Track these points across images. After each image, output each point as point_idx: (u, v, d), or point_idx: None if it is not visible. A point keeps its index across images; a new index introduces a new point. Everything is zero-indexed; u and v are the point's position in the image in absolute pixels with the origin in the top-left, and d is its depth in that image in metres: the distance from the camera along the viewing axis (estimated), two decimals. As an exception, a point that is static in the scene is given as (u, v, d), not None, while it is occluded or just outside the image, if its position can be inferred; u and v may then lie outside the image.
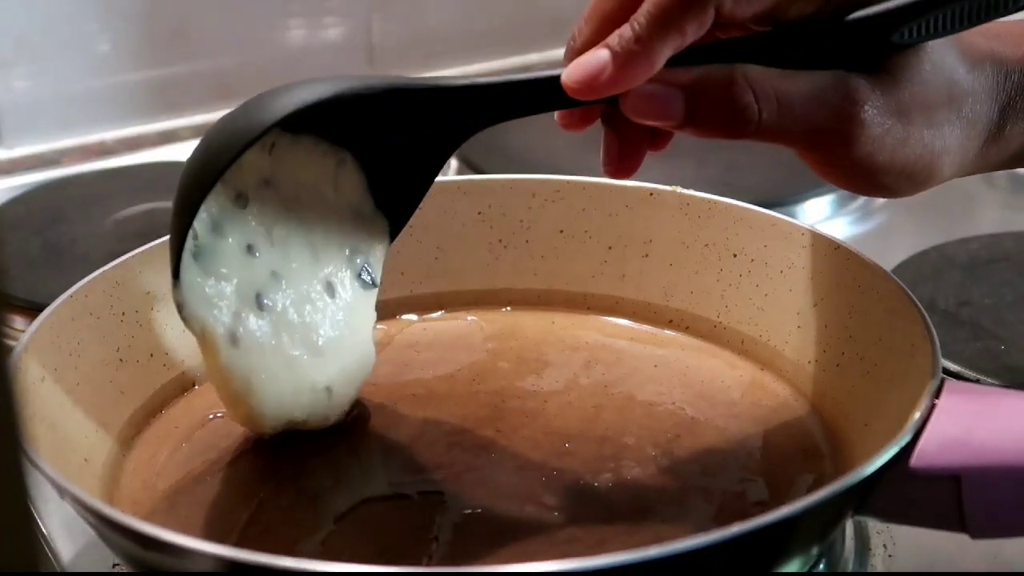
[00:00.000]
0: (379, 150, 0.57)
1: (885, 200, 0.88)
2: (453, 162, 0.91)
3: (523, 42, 1.14)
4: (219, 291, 0.55)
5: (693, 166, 0.90)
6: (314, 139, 0.56)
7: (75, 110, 0.99)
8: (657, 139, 0.55)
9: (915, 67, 0.51)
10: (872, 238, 0.83)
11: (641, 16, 0.49)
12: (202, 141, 0.53)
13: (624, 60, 0.49)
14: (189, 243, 0.53)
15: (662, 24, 0.48)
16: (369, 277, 0.59)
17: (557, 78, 0.51)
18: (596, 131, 1.03)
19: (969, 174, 0.55)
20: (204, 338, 0.54)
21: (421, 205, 0.68)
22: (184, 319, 0.54)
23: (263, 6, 1.03)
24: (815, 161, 0.53)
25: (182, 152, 0.98)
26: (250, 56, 1.04)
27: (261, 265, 0.56)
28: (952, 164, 0.53)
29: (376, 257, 0.59)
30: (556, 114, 0.55)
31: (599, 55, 0.49)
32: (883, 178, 0.52)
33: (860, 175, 0.52)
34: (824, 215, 0.85)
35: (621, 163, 0.55)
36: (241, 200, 0.56)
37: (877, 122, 0.50)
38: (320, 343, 0.57)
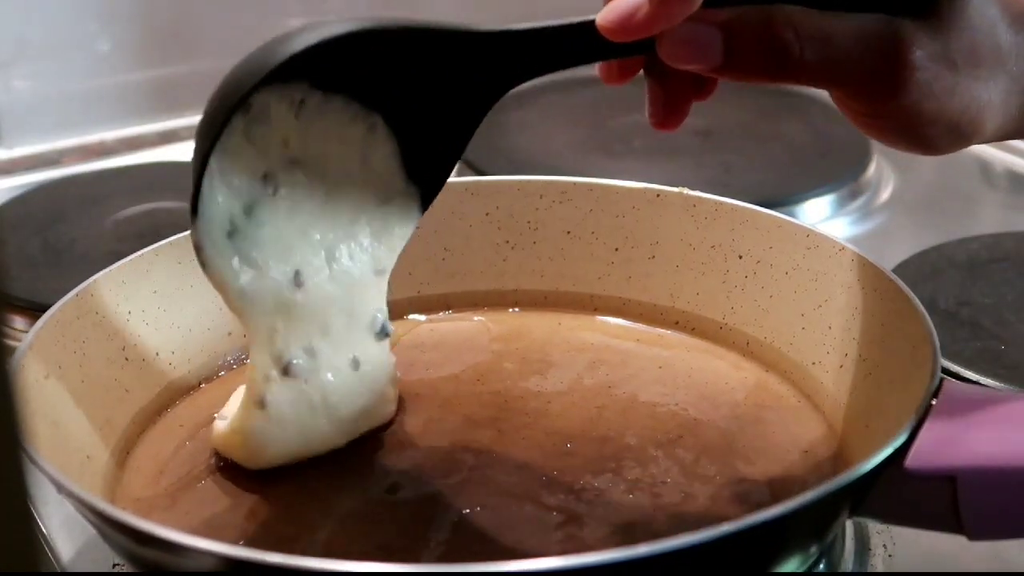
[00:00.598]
0: (410, 113, 0.55)
1: (885, 200, 0.88)
2: (453, 162, 0.91)
3: (523, 42, 1.13)
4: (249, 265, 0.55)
5: (692, 167, 0.90)
6: (344, 100, 0.54)
7: (75, 110, 0.99)
8: (702, 87, 0.53)
9: (961, 15, 0.49)
10: (872, 238, 0.83)
11: None
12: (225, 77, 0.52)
13: (662, 3, 0.47)
14: (224, 222, 0.53)
15: None
16: (381, 325, 0.58)
17: (593, 22, 0.49)
18: (595, 131, 1.03)
19: (1009, 137, 0.53)
20: (221, 286, 0.54)
21: (438, 206, 0.68)
22: (201, 263, 0.53)
23: (263, 6, 1.03)
24: (857, 110, 0.51)
25: (182, 152, 0.98)
26: (250, 56, 1.04)
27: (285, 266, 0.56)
28: (995, 120, 0.51)
29: (401, 238, 0.58)
30: (597, 67, 0.53)
31: None
32: (928, 129, 0.50)
33: (905, 125, 0.50)
34: (824, 215, 0.85)
35: (667, 115, 0.53)
36: (270, 183, 0.54)
37: (926, 67, 0.48)
38: (340, 406, 0.57)
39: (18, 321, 0.69)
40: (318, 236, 0.56)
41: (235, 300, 0.54)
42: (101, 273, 0.60)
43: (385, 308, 0.58)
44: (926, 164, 0.96)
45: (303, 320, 0.56)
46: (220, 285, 0.54)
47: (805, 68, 0.48)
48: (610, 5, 0.49)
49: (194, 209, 0.52)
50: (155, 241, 0.63)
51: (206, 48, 1.02)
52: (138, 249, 0.62)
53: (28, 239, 0.81)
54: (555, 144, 0.94)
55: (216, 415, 0.58)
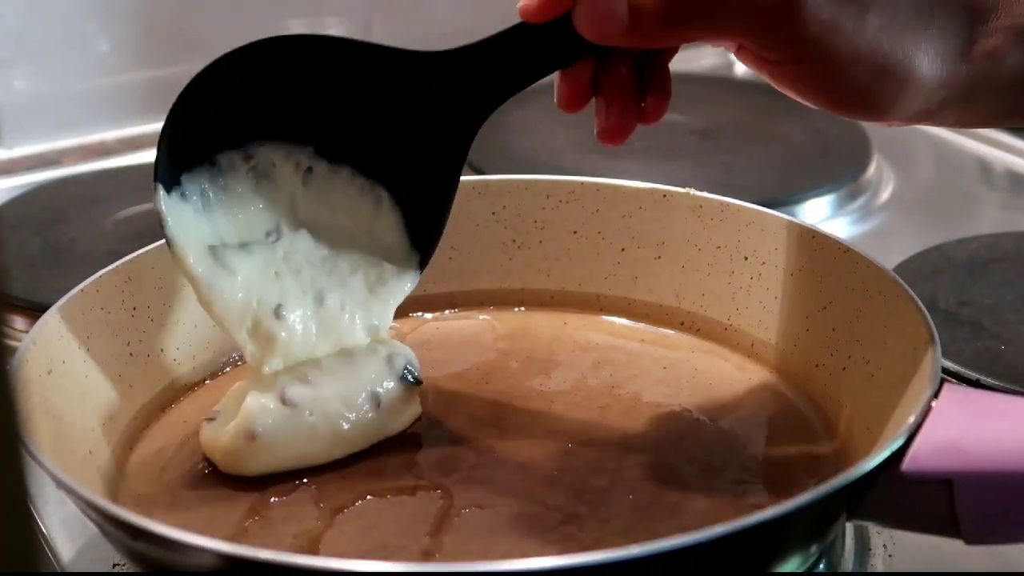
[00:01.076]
0: (408, 174, 0.57)
1: (885, 200, 0.88)
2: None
3: (523, 42, 1.13)
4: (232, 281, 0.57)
5: (692, 167, 0.90)
6: (350, 172, 0.58)
7: (75, 110, 0.99)
8: (646, 110, 0.55)
9: None
10: (872, 238, 0.83)
11: None
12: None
13: None
14: (210, 238, 0.56)
15: None
16: (411, 376, 0.59)
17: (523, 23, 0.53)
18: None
19: (961, 99, 0.51)
20: (186, 272, 0.56)
21: None
22: (167, 238, 0.55)
23: (263, 6, 1.03)
24: (765, 58, 0.51)
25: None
26: (250, 56, 1.04)
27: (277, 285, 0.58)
28: (932, 68, 0.50)
29: (399, 296, 0.59)
30: (555, 98, 0.55)
31: None
32: (852, 73, 0.49)
33: (823, 70, 0.50)
34: (824, 215, 0.85)
35: (611, 130, 0.55)
36: (272, 235, 0.58)
37: None
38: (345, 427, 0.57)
39: (18, 321, 0.69)
40: (309, 278, 0.58)
41: (202, 290, 0.56)
42: (106, 269, 0.60)
43: (384, 368, 0.58)
44: (926, 164, 0.96)
45: (289, 351, 0.57)
46: (182, 264, 0.56)
47: (698, 23, 0.50)
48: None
49: (157, 175, 0.55)
50: (155, 241, 0.63)
51: (206, 48, 1.01)
52: (138, 249, 0.62)
53: (28, 239, 0.81)
54: (555, 144, 0.94)
55: (206, 417, 0.58)
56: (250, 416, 0.56)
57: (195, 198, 0.56)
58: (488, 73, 0.55)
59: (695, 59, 1.15)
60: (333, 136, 0.57)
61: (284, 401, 0.56)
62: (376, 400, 0.57)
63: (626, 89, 0.54)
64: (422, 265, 0.59)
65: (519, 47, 0.54)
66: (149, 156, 0.96)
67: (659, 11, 0.50)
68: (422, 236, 0.58)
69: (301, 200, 0.58)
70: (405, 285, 0.59)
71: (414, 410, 0.59)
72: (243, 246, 0.57)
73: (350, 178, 0.58)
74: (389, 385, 0.58)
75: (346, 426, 0.57)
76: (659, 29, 0.50)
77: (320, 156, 0.57)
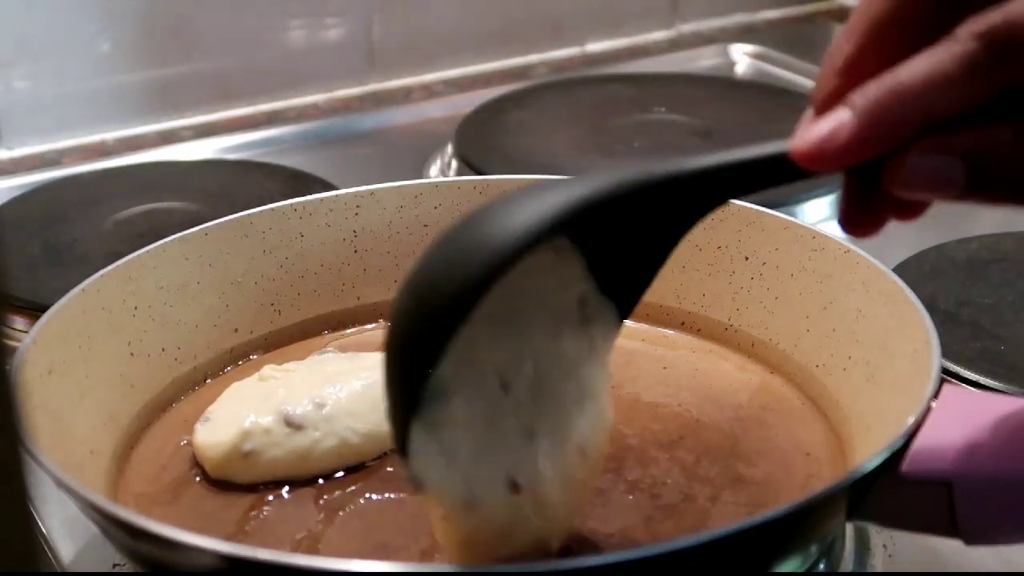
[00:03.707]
0: (602, 239, 0.48)
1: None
2: (453, 163, 0.92)
3: (523, 43, 1.14)
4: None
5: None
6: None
7: (75, 110, 0.99)
8: (910, 210, 0.46)
9: None
10: (872, 238, 0.83)
11: (901, 72, 0.40)
12: (412, 287, 0.43)
13: (867, 119, 0.41)
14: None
15: (927, 80, 0.40)
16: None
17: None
18: (595, 131, 1.02)
19: None
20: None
21: (437, 206, 0.68)
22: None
23: (263, 6, 1.03)
24: None
25: (182, 152, 0.98)
26: (250, 56, 1.04)
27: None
28: None
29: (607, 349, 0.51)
30: (839, 215, 0.47)
31: (838, 115, 0.41)
32: None
33: None
34: (824, 215, 0.85)
35: (861, 223, 0.46)
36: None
37: None
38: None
39: (18, 321, 0.69)
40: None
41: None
42: (107, 269, 0.60)
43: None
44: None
45: None
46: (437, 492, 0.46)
47: None
48: (805, 127, 0.43)
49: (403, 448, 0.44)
50: (155, 241, 0.63)
51: (206, 48, 1.02)
52: (138, 249, 0.62)
53: (28, 239, 0.81)
54: (555, 144, 0.94)
55: (200, 420, 0.58)
56: (246, 436, 0.56)
57: None
58: (728, 187, 0.47)
59: (695, 59, 1.15)
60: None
61: (288, 423, 0.56)
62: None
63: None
64: (623, 315, 0.50)
65: (770, 170, 0.45)
66: (149, 156, 0.97)
67: (1019, 181, 0.42)
68: (614, 285, 0.49)
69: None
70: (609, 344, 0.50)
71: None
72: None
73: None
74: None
75: (356, 440, 0.57)
76: (1012, 197, 0.42)
77: None
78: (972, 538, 0.47)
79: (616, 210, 0.46)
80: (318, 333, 0.67)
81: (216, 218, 0.65)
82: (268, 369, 0.60)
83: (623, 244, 0.48)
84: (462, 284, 0.42)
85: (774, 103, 0.99)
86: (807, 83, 1.08)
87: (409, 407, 0.43)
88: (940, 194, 0.42)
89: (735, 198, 0.49)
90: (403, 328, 0.43)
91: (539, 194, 0.45)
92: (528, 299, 0.47)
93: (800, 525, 0.47)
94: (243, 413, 0.57)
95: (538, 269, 0.47)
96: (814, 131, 0.42)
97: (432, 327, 0.42)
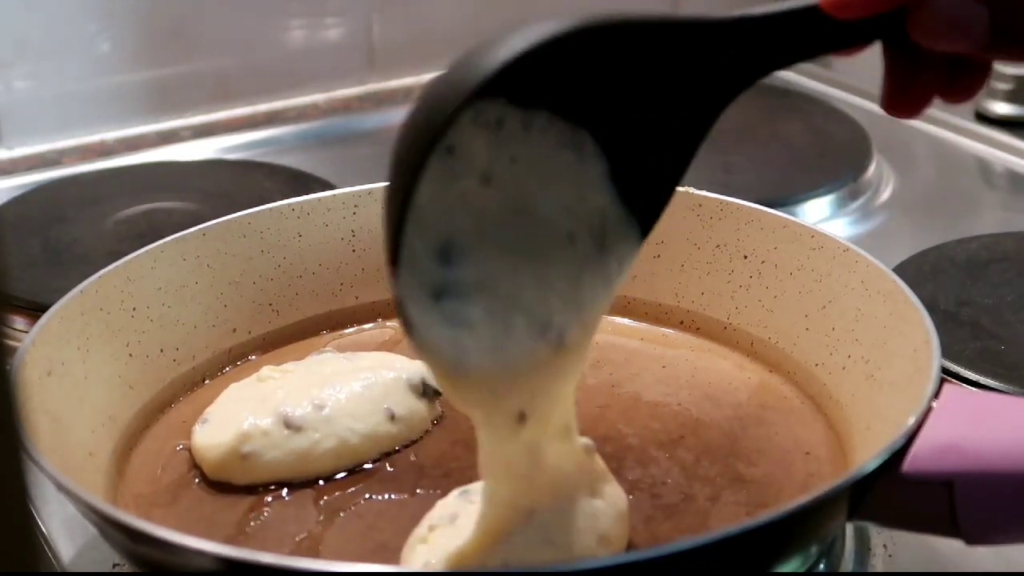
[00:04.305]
0: (622, 124, 0.46)
1: (885, 200, 0.88)
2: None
3: (523, 42, 1.13)
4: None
5: (692, 167, 0.90)
6: (548, 117, 0.45)
7: (75, 110, 0.99)
8: (957, 79, 0.44)
9: None
10: (872, 238, 0.83)
11: None
12: (416, 103, 0.44)
13: None
14: (426, 274, 0.45)
15: None
16: (431, 388, 0.58)
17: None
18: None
19: None
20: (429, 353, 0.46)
21: None
22: (405, 325, 0.45)
23: (263, 6, 1.03)
24: None
25: (182, 152, 0.98)
26: (250, 56, 1.04)
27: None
28: None
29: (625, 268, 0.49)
30: (882, 98, 0.45)
31: None
32: None
33: None
34: (824, 215, 0.85)
35: (905, 100, 0.45)
36: (473, 225, 0.45)
37: None
38: None
39: (18, 321, 0.69)
40: (532, 285, 0.47)
41: (448, 372, 0.46)
42: (106, 270, 0.60)
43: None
44: (926, 164, 0.96)
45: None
46: (428, 352, 0.45)
47: None
48: None
49: (394, 259, 0.44)
50: (155, 241, 0.63)
51: (206, 48, 1.02)
52: (137, 249, 0.62)
53: (28, 239, 0.81)
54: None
55: (198, 422, 0.58)
56: (245, 438, 0.56)
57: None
58: (761, 48, 0.45)
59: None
60: (535, 82, 0.44)
61: (288, 424, 0.56)
62: (391, 414, 0.58)
63: (941, 72, 0.44)
64: (644, 230, 0.48)
65: (805, 28, 0.44)
66: (149, 156, 0.97)
67: None
68: (637, 193, 0.47)
69: (495, 166, 0.45)
70: (630, 260, 0.49)
71: (433, 415, 0.59)
72: (446, 258, 0.46)
73: (546, 125, 0.45)
74: (407, 401, 0.58)
75: (356, 441, 0.57)
76: None
77: (513, 105, 0.44)
78: (972, 538, 0.47)
79: (619, 52, 0.44)
80: (316, 333, 0.67)
81: (216, 218, 0.65)
82: (267, 370, 0.60)
83: (645, 141, 0.46)
84: (462, 79, 0.42)
85: (774, 103, 0.99)
86: (808, 83, 1.08)
87: (403, 212, 0.43)
88: (964, 40, 0.41)
89: (763, 71, 0.45)
90: (398, 143, 0.43)
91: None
92: (548, 205, 0.46)
93: (801, 526, 0.47)
94: (241, 415, 0.57)
95: (558, 172, 0.46)
96: None
97: (417, 138, 0.42)
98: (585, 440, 0.51)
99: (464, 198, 0.45)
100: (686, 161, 0.47)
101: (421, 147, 0.42)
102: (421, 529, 0.50)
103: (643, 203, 0.47)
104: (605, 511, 0.50)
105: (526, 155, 0.45)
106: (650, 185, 0.47)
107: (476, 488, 0.51)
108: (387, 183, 0.44)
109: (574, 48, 0.43)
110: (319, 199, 0.67)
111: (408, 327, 0.44)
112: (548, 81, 0.44)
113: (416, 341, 0.44)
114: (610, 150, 0.46)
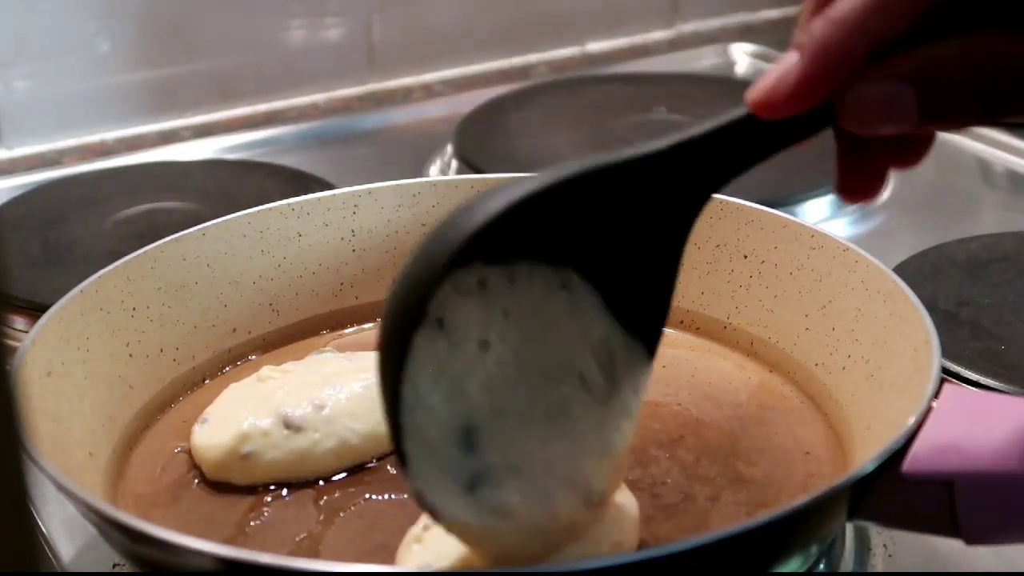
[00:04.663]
0: (603, 259, 0.46)
1: (885, 200, 0.88)
2: (453, 163, 0.92)
3: (523, 43, 1.14)
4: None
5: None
6: (529, 266, 0.45)
7: (75, 110, 0.99)
8: (907, 150, 0.44)
9: None
10: (872, 238, 0.83)
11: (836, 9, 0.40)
12: (393, 284, 0.44)
13: (813, 55, 0.40)
14: (453, 471, 0.44)
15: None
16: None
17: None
18: (595, 131, 1.02)
19: None
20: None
21: (434, 205, 0.68)
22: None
23: (263, 6, 1.03)
24: None
25: (182, 152, 0.98)
26: (250, 56, 1.04)
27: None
28: None
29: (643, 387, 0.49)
30: (835, 190, 0.46)
31: (787, 58, 0.41)
32: None
33: None
34: (824, 215, 0.85)
35: (860, 184, 0.45)
36: (482, 391, 0.45)
37: None
38: None
39: (18, 321, 0.69)
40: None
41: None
42: (106, 269, 0.60)
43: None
44: (926, 164, 0.96)
45: None
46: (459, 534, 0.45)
47: None
48: (757, 81, 0.42)
49: (403, 462, 0.43)
50: (155, 241, 0.63)
51: (206, 48, 1.02)
52: (137, 249, 0.62)
53: (28, 239, 0.81)
54: (555, 144, 0.94)
55: (198, 422, 0.58)
56: (244, 438, 0.56)
57: None
58: (706, 167, 0.46)
59: (695, 59, 1.15)
60: (505, 241, 0.45)
61: (288, 424, 0.56)
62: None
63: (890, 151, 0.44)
64: (650, 352, 0.48)
65: (746, 135, 0.45)
66: (149, 156, 0.97)
67: (969, 99, 0.40)
68: (636, 317, 0.47)
69: (490, 328, 0.45)
70: (642, 386, 0.49)
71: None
72: (467, 438, 0.45)
73: (529, 271, 0.45)
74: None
75: (356, 441, 0.57)
76: (967, 115, 0.41)
77: (490, 264, 0.44)
78: (972, 538, 0.47)
79: (582, 199, 0.45)
80: (316, 333, 0.67)
81: (216, 218, 0.65)
82: (266, 370, 0.60)
83: (628, 266, 0.47)
84: (439, 254, 0.42)
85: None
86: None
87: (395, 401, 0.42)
88: (895, 123, 0.41)
89: (718, 184, 0.47)
90: (382, 327, 0.43)
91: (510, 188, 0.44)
92: (553, 351, 0.46)
93: (801, 526, 0.47)
94: (241, 415, 0.57)
95: (555, 312, 0.46)
96: (765, 79, 0.42)
97: (411, 300, 0.43)
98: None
99: (468, 370, 0.44)
100: (672, 277, 0.48)
101: (400, 327, 0.42)
102: (416, 528, 0.50)
103: (642, 324, 0.48)
104: (617, 519, 0.50)
105: (517, 306, 0.45)
106: (645, 306, 0.48)
107: None
108: (378, 374, 0.43)
109: (535, 206, 0.44)
110: (319, 199, 0.67)
111: (436, 516, 0.44)
112: (517, 238, 0.44)
113: (446, 526, 0.44)
114: (598, 282, 0.47)
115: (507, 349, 0.45)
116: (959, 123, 0.43)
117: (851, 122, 0.42)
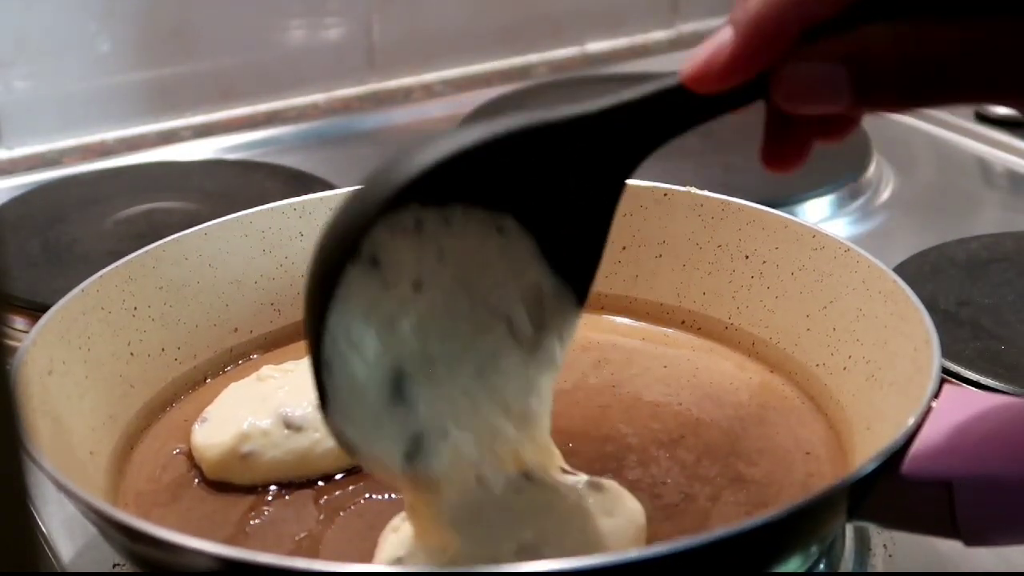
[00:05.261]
0: (538, 207, 0.47)
1: (885, 200, 0.88)
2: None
3: (523, 42, 1.14)
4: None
5: (693, 167, 0.90)
6: (464, 208, 0.46)
7: (75, 110, 0.99)
8: (831, 128, 0.45)
9: None
10: (872, 238, 0.83)
11: None
12: (327, 224, 0.45)
13: (746, 31, 0.40)
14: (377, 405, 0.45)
15: None
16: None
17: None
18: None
19: None
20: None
21: None
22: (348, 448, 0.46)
23: (263, 6, 1.03)
24: None
25: (182, 152, 0.98)
26: (250, 56, 1.04)
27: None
28: None
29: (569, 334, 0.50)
30: (760, 159, 0.47)
31: (721, 33, 0.41)
32: None
33: None
34: (824, 215, 0.85)
35: (784, 155, 0.47)
36: (412, 329, 0.46)
37: None
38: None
39: (18, 321, 0.69)
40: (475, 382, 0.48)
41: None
42: (107, 269, 0.60)
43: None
44: (926, 164, 0.96)
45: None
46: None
47: (958, 86, 0.41)
48: (691, 54, 0.43)
49: (323, 397, 0.45)
50: (155, 241, 0.63)
51: (206, 48, 1.02)
52: (137, 249, 0.62)
53: (28, 239, 0.81)
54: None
55: (197, 421, 0.58)
56: (244, 438, 0.56)
57: None
58: (640, 130, 0.47)
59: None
60: (440, 187, 0.46)
61: (288, 424, 0.56)
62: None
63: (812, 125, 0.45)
64: (580, 298, 0.49)
65: (679, 102, 0.45)
66: (149, 156, 0.97)
67: (901, 82, 0.41)
68: (567, 263, 0.48)
69: (423, 266, 0.46)
70: (568, 334, 0.50)
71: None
72: (397, 382, 0.47)
73: (464, 215, 0.46)
74: None
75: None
76: (899, 99, 0.41)
77: (427, 207, 0.45)
78: (971, 539, 0.47)
79: (520, 153, 0.46)
80: (318, 333, 0.67)
81: (216, 218, 0.65)
82: (267, 369, 0.60)
83: (563, 216, 0.48)
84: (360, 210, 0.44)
85: (774, 103, 0.99)
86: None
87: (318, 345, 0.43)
88: (828, 103, 0.41)
89: (649, 148, 0.48)
90: (312, 266, 0.44)
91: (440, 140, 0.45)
92: (485, 295, 0.47)
93: (801, 526, 0.47)
94: (241, 414, 0.57)
95: (489, 255, 0.47)
96: (699, 53, 0.42)
97: (327, 260, 0.43)
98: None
99: (400, 311, 0.46)
100: (605, 228, 0.49)
101: (333, 262, 0.43)
102: (396, 519, 0.50)
103: (575, 272, 0.49)
104: (624, 528, 0.50)
105: (452, 247, 0.46)
106: (578, 254, 0.49)
107: None
108: (304, 307, 0.44)
109: (475, 156, 0.45)
110: (320, 198, 0.67)
111: (353, 452, 0.46)
112: (455, 183, 0.45)
113: (363, 463, 0.47)
114: (533, 228, 0.48)
115: (440, 291, 0.46)
116: (890, 107, 0.43)
117: (782, 99, 0.42)
